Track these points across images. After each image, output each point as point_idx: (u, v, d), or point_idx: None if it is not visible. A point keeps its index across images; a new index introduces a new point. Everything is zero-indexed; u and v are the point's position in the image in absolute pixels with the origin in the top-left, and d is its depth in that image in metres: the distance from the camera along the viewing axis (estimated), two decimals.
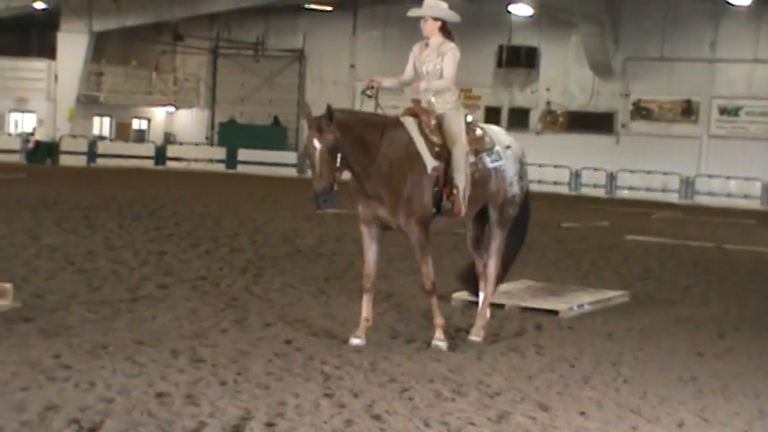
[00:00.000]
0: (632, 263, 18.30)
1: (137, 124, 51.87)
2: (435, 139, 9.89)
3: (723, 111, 43.34)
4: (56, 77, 46.42)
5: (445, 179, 9.84)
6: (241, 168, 46.78)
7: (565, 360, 9.69)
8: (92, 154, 45.59)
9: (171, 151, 48.98)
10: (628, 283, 15.05)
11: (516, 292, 13.12)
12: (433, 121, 10.00)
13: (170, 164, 47.60)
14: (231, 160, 47.77)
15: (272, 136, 49.21)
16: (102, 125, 50.11)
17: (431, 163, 9.80)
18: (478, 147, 10.20)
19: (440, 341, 9.87)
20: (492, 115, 46.00)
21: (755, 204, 41.08)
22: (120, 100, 49.70)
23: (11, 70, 46.94)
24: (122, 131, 50.93)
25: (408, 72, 10.48)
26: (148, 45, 50.81)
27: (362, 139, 9.72)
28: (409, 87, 10.62)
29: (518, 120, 45.86)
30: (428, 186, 9.81)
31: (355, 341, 9.74)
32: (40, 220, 18.87)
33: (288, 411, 7.27)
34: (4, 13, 43.28)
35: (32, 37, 50.36)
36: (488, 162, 10.27)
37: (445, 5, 10.27)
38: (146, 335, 9.62)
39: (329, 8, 47.32)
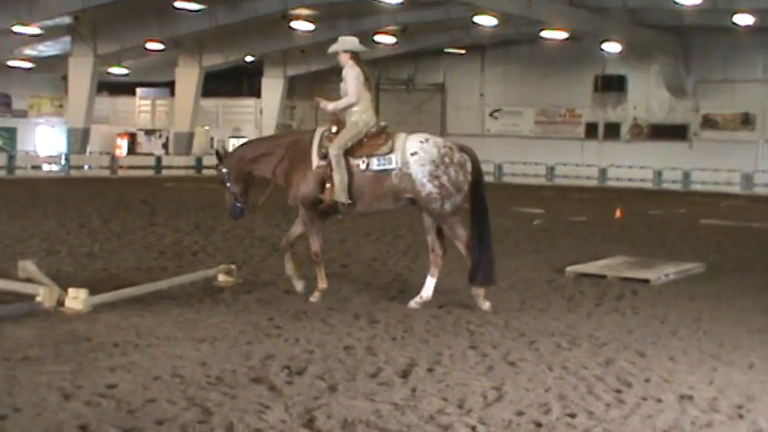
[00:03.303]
0: (706, 241, 17.78)
1: None
2: (327, 143, 9.57)
3: None
4: (261, 111, 47.32)
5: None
6: None
7: (656, 318, 9.47)
8: None
9: None
10: (703, 256, 14.59)
11: (615, 266, 12.87)
12: (334, 130, 9.65)
13: None
14: None
15: None
16: None
17: (315, 161, 9.62)
18: (370, 151, 9.50)
19: (314, 298, 9.71)
20: (591, 129, 45.47)
21: None
22: (307, 126, 50.30)
23: (229, 107, 48.13)
24: None
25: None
26: (327, 84, 51.25)
27: (262, 155, 10.08)
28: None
29: (611, 132, 45.15)
30: (312, 179, 9.62)
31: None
32: (252, 218, 19.19)
33: (443, 360, 7.27)
34: (223, 66, 44.30)
35: (244, 82, 51.41)
36: (375, 164, 9.47)
37: (355, 40, 9.98)
38: (334, 302, 9.73)
39: (463, 51, 47.17)
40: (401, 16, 37.72)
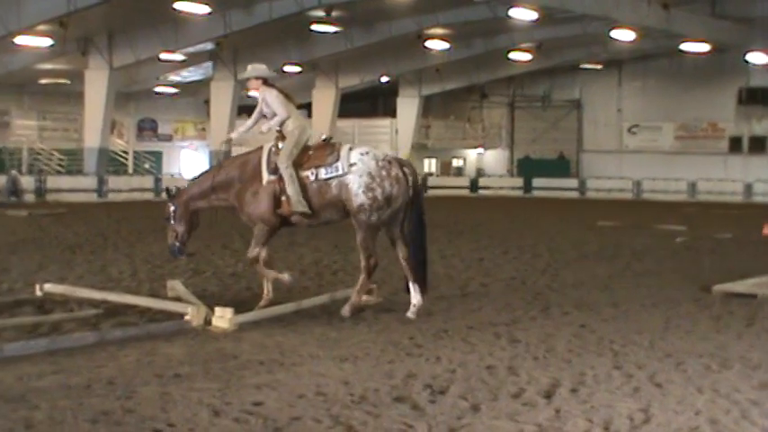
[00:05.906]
0: None
1: (455, 162, 52.61)
2: (275, 158, 9.84)
3: None
4: (396, 131, 47.75)
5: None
6: (535, 193, 46.56)
7: None
8: (424, 187, 46.55)
9: (482, 182, 49.42)
10: None
11: (766, 284, 12.39)
12: (281, 145, 9.87)
13: (481, 192, 47.95)
14: (527, 187, 47.66)
15: (558, 167, 48.83)
16: (430, 164, 51.15)
17: (266, 177, 9.88)
18: (318, 162, 9.81)
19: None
20: (734, 144, 44.23)
21: None
22: (442, 145, 50.67)
23: (364, 127, 48.73)
24: (445, 168, 51.78)
25: (253, 119, 10.48)
26: (462, 103, 51.46)
27: (218, 185, 10.20)
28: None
29: (757, 146, 43.80)
30: (265, 194, 9.88)
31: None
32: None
33: (587, 380, 7.13)
34: (359, 86, 45.04)
35: (379, 102, 52.03)
36: (323, 174, 9.76)
37: (264, 67, 10.36)
38: (474, 321, 9.69)
39: (599, 66, 46.55)
40: (536, 33, 37.51)
